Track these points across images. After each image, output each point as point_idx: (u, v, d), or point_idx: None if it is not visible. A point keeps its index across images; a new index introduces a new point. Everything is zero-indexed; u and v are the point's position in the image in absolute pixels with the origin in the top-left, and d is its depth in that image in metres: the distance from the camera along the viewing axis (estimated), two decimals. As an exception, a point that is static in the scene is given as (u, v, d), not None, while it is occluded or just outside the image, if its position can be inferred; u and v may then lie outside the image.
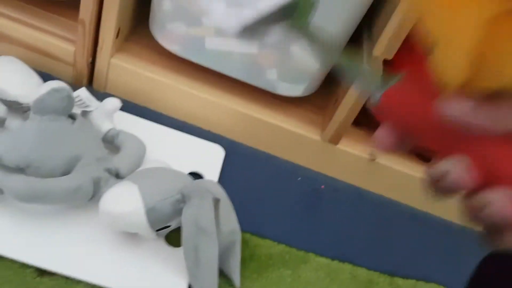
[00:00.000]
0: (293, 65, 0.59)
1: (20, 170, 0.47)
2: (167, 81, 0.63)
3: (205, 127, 0.66)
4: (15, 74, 0.52)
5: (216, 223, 0.45)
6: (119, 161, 0.51)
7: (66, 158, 0.47)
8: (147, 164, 0.53)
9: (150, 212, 0.45)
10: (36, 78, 0.53)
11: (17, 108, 0.52)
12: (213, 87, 0.64)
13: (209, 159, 0.61)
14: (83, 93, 0.54)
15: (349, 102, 0.60)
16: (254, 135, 0.65)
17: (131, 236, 0.48)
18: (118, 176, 0.50)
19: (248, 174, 0.63)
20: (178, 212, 0.46)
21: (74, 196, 0.47)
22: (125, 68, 0.62)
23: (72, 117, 0.50)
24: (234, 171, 0.61)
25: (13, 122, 0.51)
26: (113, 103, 0.54)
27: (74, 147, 0.48)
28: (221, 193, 0.47)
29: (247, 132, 0.65)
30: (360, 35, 0.60)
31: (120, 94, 0.64)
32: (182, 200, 0.46)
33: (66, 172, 0.47)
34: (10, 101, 0.51)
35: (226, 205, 0.48)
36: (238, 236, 0.49)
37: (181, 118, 0.66)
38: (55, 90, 0.47)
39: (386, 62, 0.55)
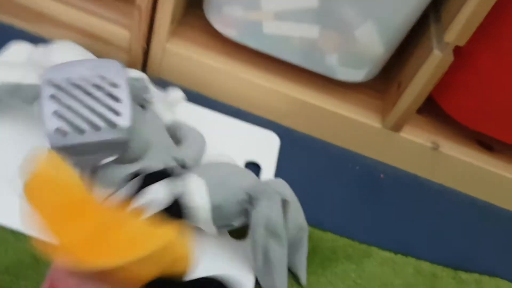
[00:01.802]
0: (356, 49, 0.56)
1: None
2: (221, 67, 0.61)
3: (259, 113, 0.64)
4: (78, 57, 0.51)
5: (284, 224, 0.43)
6: (185, 151, 0.50)
7: (140, 143, 0.47)
8: (208, 156, 0.51)
9: (216, 210, 0.44)
10: (93, 60, 0.52)
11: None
12: (268, 73, 0.62)
13: (265, 147, 0.60)
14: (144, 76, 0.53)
15: (415, 89, 0.56)
16: (311, 122, 0.63)
17: (195, 229, 0.48)
18: (183, 166, 0.49)
19: (304, 162, 0.61)
20: (243, 212, 0.45)
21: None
22: (180, 54, 0.61)
23: (142, 106, 0.49)
24: (290, 160, 0.60)
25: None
26: (176, 95, 0.53)
27: (147, 134, 0.48)
28: (289, 193, 0.46)
29: (303, 118, 0.63)
30: (425, 17, 0.56)
31: (174, 79, 0.63)
32: (249, 201, 0.44)
33: (138, 158, 0.46)
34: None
35: (294, 205, 0.46)
36: (305, 233, 0.47)
37: (235, 104, 0.64)
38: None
39: (458, 50, 0.52)
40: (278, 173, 0.57)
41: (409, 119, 0.60)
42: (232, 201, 0.45)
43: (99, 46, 0.60)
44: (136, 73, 0.49)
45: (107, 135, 0.43)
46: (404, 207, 0.61)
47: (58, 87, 0.43)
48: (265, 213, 0.43)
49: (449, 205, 0.64)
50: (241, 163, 0.56)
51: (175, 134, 0.53)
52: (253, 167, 0.57)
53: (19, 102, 0.46)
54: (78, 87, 0.43)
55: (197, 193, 0.44)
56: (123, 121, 0.43)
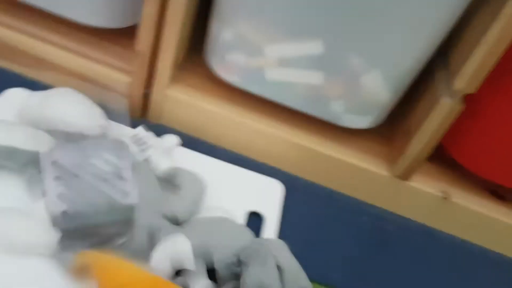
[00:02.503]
0: (362, 96, 0.54)
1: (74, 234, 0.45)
2: (223, 112, 0.60)
3: (262, 160, 0.62)
4: (77, 105, 0.50)
5: None
6: (177, 205, 0.48)
7: None
8: (204, 208, 0.49)
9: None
10: (97, 109, 0.51)
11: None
12: (272, 118, 0.60)
13: (268, 196, 0.57)
14: (141, 131, 0.51)
15: (424, 136, 0.54)
16: (316, 169, 0.61)
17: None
18: (176, 221, 0.47)
19: (310, 212, 0.59)
20: (233, 276, 0.42)
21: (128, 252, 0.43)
22: (181, 99, 0.59)
23: None
24: (295, 209, 0.57)
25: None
26: (172, 140, 0.51)
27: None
28: (286, 257, 0.43)
29: (307, 165, 0.61)
30: (432, 62, 0.55)
31: (174, 125, 0.62)
32: (238, 265, 0.42)
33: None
34: (72, 134, 0.48)
35: (293, 269, 0.43)
36: None
37: (237, 151, 0.62)
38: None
39: (468, 97, 0.50)
40: (283, 224, 0.54)
41: (418, 168, 0.58)
42: (219, 265, 0.42)
43: (98, 92, 0.59)
44: (132, 131, 0.50)
45: (115, 215, 0.42)
46: (414, 259, 0.58)
47: (62, 168, 0.42)
48: (257, 279, 0.40)
49: (461, 256, 0.61)
50: (243, 214, 0.54)
51: (172, 181, 0.51)
52: (256, 218, 0.55)
53: (12, 165, 0.45)
54: (83, 168, 0.42)
55: (182, 255, 0.42)
56: (131, 200, 0.42)
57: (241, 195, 0.56)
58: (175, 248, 0.43)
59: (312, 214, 0.59)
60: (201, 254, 0.43)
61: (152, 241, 0.44)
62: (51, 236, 0.40)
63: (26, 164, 0.45)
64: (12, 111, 0.50)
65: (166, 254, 0.42)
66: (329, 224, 0.58)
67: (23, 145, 0.45)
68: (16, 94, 0.55)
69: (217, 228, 0.46)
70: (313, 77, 0.53)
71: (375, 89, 0.54)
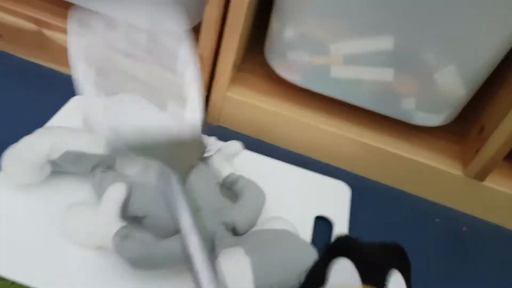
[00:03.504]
0: (435, 93, 0.51)
1: (138, 219, 0.43)
2: (284, 112, 0.58)
3: (326, 161, 0.60)
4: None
5: None
6: (237, 213, 0.46)
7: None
8: (265, 218, 0.47)
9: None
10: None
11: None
12: (336, 117, 0.58)
13: (335, 199, 0.55)
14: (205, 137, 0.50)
15: (502, 134, 0.51)
16: (383, 170, 0.58)
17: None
18: (234, 231, 0.45)
19: (378, 215, 0.56)
20: None
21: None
22: (240, 101, 0.58)
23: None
24: (363, 213, 0.55)
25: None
26: (235, 146, 0.49)
27: (192, 198, 0.44)
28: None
29: (375, 166, 0.58)
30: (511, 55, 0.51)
31: (234, 127, 0.60)
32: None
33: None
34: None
35: None
36: None
37: (299, 152, 0.60)
38: None
39: None
40: (352, 229, 0.52)
41: (494, 167, 0.54)
42: None
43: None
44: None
45: None
46: (491, 264, 0.54)
47: None
48: None
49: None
50: (309, 219, 0.52)
51: (232, 189, 0.49)
52: (323, 222, 0.52)
53: (78, 170, 0.45)
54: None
55: (239, 276, 0.39)
56: None
57: (307, 199, 0.54)
58: (233, 264, 0.40)
59: (381, 217, 0.56)
60: (259, 275, 0.40)
61: (214, 253, 0.43)
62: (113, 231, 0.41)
63: (93, 167, 0.46)
64: (77, 118, 0.50)
65: (224, 269, 0.40)
66: (400, 228, 0.55)
67: (89, 149, 0.45)
68: (81, 101, 0.55)
69: (281, 246, 0.43)
70: (383, 74, 0.50)
71: (449, 85, 0.50)
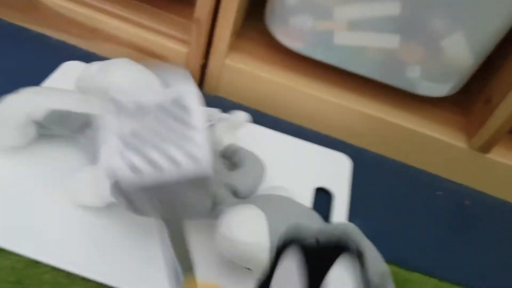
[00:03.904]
0: (442, 61, 0.49)
1: None
2: (285, 82, 0.56)
3: (328, 132, 0.58)
4: (135, 76, 0.47)
5: (362, 278, 0.37)
6: (239, 178, 0.45)
7: None
8: (265, 188, 0.46)
9: (273, 251, 0.38)
10: (155, 79, 0.48)
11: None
12: (338, 87, 0.56)
13: (336, 171, 0.53)
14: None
15: (508, 106, 0.49)
16: (386, 142, 0.57)
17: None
18: (235, 194, 0.44)
19: (380, 188, 0.55)
20: None
21: (192, 209, 0.41)
22: (239, 69, 0.56)
23: None
24: (365, 185, 0.53)
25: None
26: (240, 117, 0.48)
27: None
28: (363, 240, 0.39)
29: (377, 138, 0.56)
30: None
31: (232, 97, 0.58)
32: None
33: None
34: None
35: (373, 252, 0.39)
36: (388, 277, 0.41)
37: (300, 123, 0.58)
38: None
39: None
40: (352, 201, 0.51)
41: (500, 140, 0.53)
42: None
43: (155, 63, 0.56)
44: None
45: (189, 170, 0.34)
46: (497, 239, 0.53)
47: (123, 134, 0.35)
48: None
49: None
50: (309, 190, 0.50)
51: (232, 159, 0.48)
52: (323, 194, 0.51)
53: (65, 131, 0.43)
54: (147, 114, 0.36)
55: (255, 227, 0.39)
56: (203, 153, 0.34)
57: (307, 170, 0.52)
58: (250, 217, 0.40)
59: (383, 190, 0.55)
60: (272, 230, 0.40)
61: (214, 211, 0.42)
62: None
63: (81, 128, 0.44)
64: (69, 83, 0.48)
65: (242, 220, 0.40)
66: (401, 200, 0.54)
67: (77, 108, 0.43)
68: (73, 67, 0.53)
69: (286, 205, 0.43)
70: (388, 41, 0.48)
71: (457, 53, 0.48)
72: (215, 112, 0.48)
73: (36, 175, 0.43)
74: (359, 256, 0.38)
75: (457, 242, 0.52)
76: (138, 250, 0.41)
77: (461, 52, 0.49)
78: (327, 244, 0.36)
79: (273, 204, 0.43)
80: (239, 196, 0.44)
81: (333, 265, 0.34)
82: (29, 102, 0.42)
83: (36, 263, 0.38)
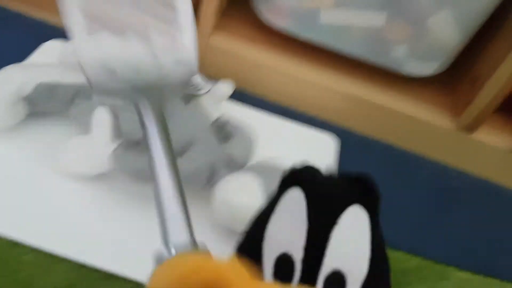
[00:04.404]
0: (428, 39, 0.49)
1: (135, 144, 0.42)
2: (270, 62, 0.55)
3: (314, 113, 0.57)
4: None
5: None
6: (233, 147, 0.45)
7: (180, 139, 0.42)
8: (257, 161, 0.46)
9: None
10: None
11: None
12: (324, 67, 0.56)
13: (322, 152, 0.53)
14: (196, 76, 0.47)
15: (495, 85, 0.49)
16: (372, 122, 0.56)
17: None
18: (230, 164, 0.44)
19: (366, 168, 0.54)
20: None
21: (190, 179, 0.41)
22: (224, 48, 0.55)
23: (185, 99, 0.45)
24: (350, 166, 0.53)
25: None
26: (225, 88, 0.47)
27: (188, 129, 0.43)
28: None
29: (363, 118, 0.56)
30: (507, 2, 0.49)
31: (217, 76, 0.57)
32: None
33: (179, 154, 0.41)
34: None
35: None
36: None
37: (286, 103, 0.58)
38: None
39: None
40: (338, 181, 0.51)
41: (486, 119, 0.53)
42: None
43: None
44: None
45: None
46: (480, 218, 0.54)
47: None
48: None
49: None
50: (296, 170, 0.50)
51: (222, 130, 0.48)
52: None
53: (55, 105, 0.42)
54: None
55: (251, 190, 0.39)
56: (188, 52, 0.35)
57: (294, 152, 0.52)
58: (247, 180, 0.40)
59: (369, 170, 0.54)
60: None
61: (211, 178, 0.42)
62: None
63: (71, 100, 0.43)
64: (50, 62, 0.47)
65: (239, 183, 0.40)
66: (387, 181, 0.54)
67: (64, 79, 0.43)
68: (53, 46, 0.52)
69: (280, 171, 0.43)
70: (374, 19, 0.48)
71: (443, 31, 0.48)
72: (200, 80, 0.48)
73: (25, 155, 0.42)
74: None
75: (441, 221, 0.52)
76: (124, 230, 0.41)
77: (447, 30, 0.48)
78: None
79: (268, 169, 0.43)
80: (234, 166, 0.45)
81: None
82: (16, 78, 0.41)
83: (15, 244, 0.37)
